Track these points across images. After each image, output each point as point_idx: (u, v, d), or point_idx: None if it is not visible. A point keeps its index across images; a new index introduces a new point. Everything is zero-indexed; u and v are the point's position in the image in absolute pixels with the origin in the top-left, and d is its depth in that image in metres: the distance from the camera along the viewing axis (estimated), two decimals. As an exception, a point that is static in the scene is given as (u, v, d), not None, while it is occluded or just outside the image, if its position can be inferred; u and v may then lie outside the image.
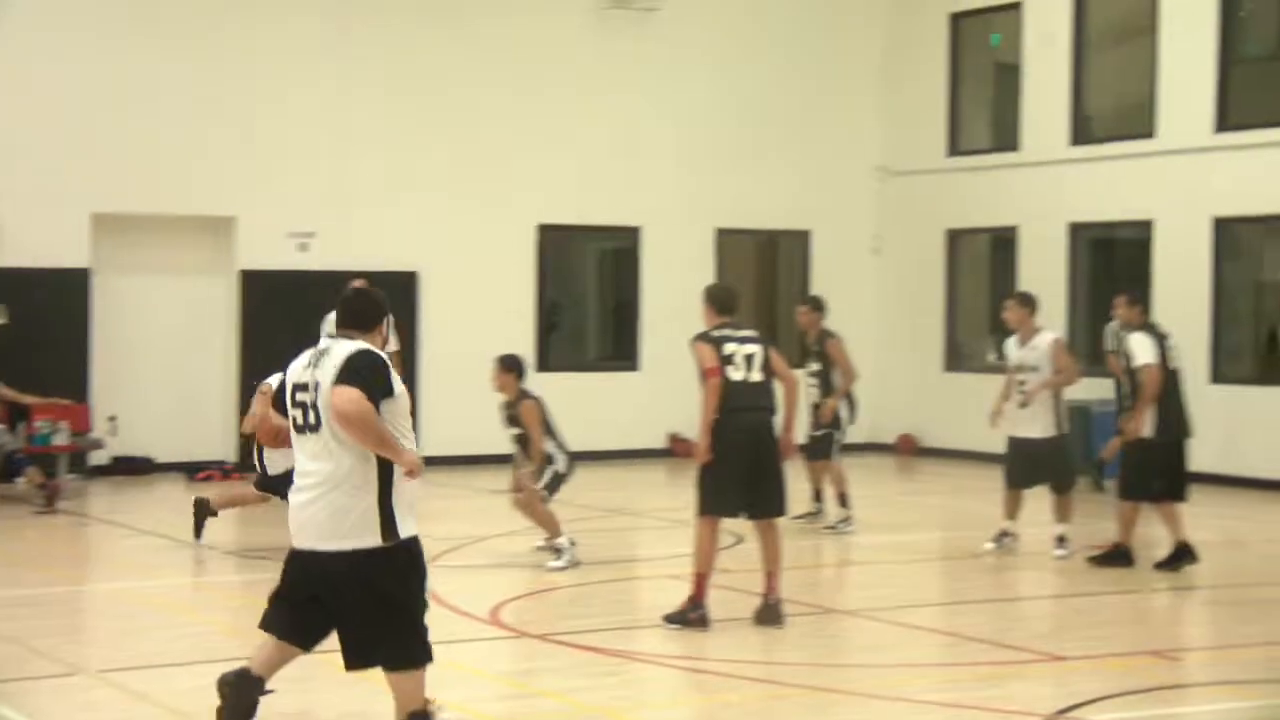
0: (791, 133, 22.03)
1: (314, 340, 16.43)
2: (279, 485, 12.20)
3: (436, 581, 8.80)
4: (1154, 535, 13.41)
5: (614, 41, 21.03)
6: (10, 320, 17.57)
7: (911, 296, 22.25)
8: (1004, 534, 13.83)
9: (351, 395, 6.93)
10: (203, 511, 13.96)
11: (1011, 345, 13.86)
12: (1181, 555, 12.89)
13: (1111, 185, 19.93)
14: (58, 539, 15.00)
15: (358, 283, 16.00)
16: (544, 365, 20.34)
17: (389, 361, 7.24)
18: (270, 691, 7.45)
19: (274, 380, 13.19)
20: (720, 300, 10.83)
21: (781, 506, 10.77)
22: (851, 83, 22.44)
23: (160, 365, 19.08)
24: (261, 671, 7.42)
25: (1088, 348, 19.57)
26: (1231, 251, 19.17)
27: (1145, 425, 12.84)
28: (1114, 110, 20.69)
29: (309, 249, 19.46)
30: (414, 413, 7.53)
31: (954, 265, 22.03)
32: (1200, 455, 17.83)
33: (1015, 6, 21.09)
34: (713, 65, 21.59)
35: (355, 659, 7.23)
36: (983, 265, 22.26)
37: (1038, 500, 13.86)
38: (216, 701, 7.38)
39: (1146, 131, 19.58)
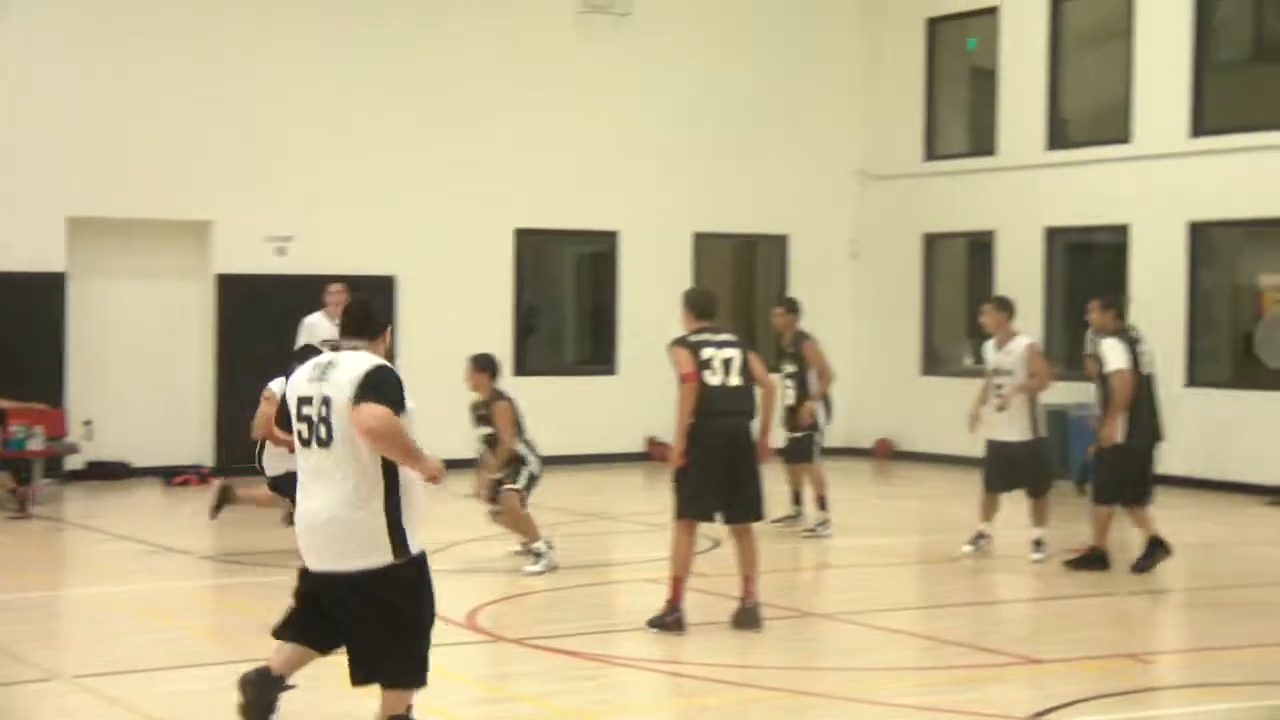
0: (769, 137, 22.05)
1: (291, 345, 16.42)
2: (284, 486, 12.43)
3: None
4: (1129, 538, 13.45)
5: (591, 46, 21.03)
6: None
7: (889, 300, 22.28)
8: (980, 536, 13.87)
9: (377, 412, 6.91)
10: (226, 496, 14.04)
11: (989, 349, 13.89)
12: (1155, 550, 12.96)
13: (1088, 190, 20.00)
14: (32, 544, 14.94)
15: (335, 287, 16.10)
16: (522, 369, 20.34)
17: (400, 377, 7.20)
18: (292, 687, 7.41)
19: (275, 386, 13.25)
20: (699, 305, 10.83)
21: (759, 511, 10.78)
22: (829, 87, 22.47)
23: (136, 370, 19.01)
24: (281, 671, 7.40)
25: (1064, 352, 19.63)
26: (1207, 256, 19.25)
27: (1118, 431, 12.89)
28: (1090, 115, 20.76)
29: (286, 253, 19.42)
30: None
31: (931, 269, 22.07)
32: (1176, 459, 17.98)
33: (991, 11, 21.16)
34: (691, 70, 21.60)
35: (362, 674, 7.21)
36: (960, 269, 22.31)
37: (1015, 504, 13.89)
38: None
39: (1122, 136, 19.65)
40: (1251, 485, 18.00)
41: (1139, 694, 9.38)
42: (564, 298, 22.49)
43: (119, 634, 10.71)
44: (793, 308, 15.55)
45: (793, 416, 15.11)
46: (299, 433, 7.19)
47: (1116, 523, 13.16)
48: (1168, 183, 19.14)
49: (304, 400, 7.17)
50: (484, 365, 12.89)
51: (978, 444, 14.07)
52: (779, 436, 13.90)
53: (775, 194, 22.17)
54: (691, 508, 10.59)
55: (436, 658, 7.34)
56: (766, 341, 18.65)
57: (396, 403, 7.01)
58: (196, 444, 19.17)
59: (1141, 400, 12.96)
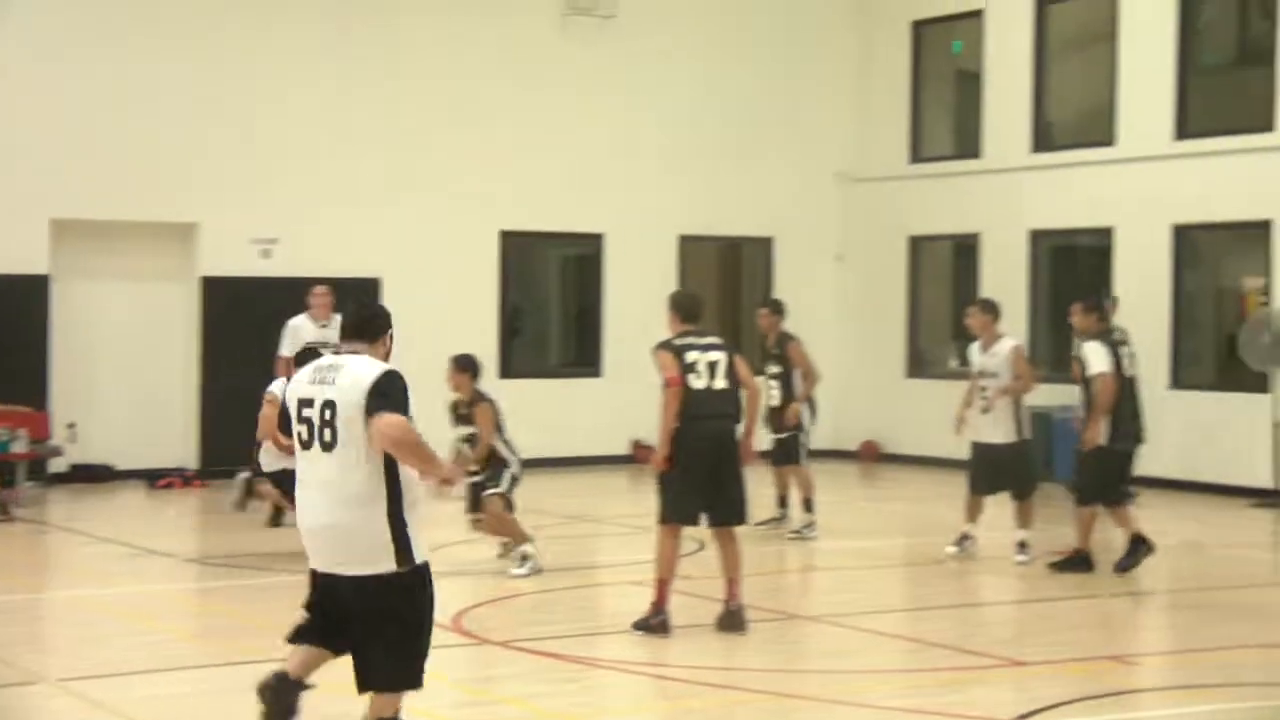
0: (754, 140, 22.06)
1: (275, 348, 16.36)
2: (282, 482, 12.86)
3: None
4: (1113, 540, 13.47)
5: (576, 49, 21.02)
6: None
7: (874, 303, 22.31)
8: (965, 537, 13.90)
9: (394, 421, 6.89)
10: (249, 489, 14.63)
11: (974, 351, 13.92)
12: (1138, 548, 13.00)
13: (1072, 192, 20.03)
14: (16, 547, 14.89)
15: (320, 289, 16.07)
16: (507, 371, 20.33)
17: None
18: (311, 687, 7.39)
19: (276, 387, 13.25)
20: (684, 308, 10.84)
21: (742, 514, 10.78)
22: (814, 90, 22.48)
23: (120, 373, 18.97)
24: (298, 674, 7.36)
25: (1049, 354, 19.67)
26: (1191, 259, 19.29)
27: (1101, 433, 12.92)
28: (1075, 118, 20.80)
29: (272, 255, 19.39)
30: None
31: (916, 272, 22.10)
32: (1159, 461, 18.04)
33: (977, 15, 21.19)
34: (676, 73, 21.61)
35: (367, 683, 7.19)
36: (945, 272, 22.34)
37: (999, 506, 13.91)
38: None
39: (1107, 139, 19.69)
40: (1235, 487, 18.04)
41: (1123, 696, 9.40)
42: (549, 300, 22.48)
43: (103, 637, 10.68)
44: (777, 309, 15.56)
45: (777, 418, 15.12)
46: (298, 435, 7.15)
47: (1099, 524, 13.18)
48: (1152, 186, 19.18)
49: (304, 403, 7.13)
50: (465, 366, 12.89)
51: (963, 446, 14.09)
52: (764, 438, 13.91)
53: (761, 196, 22.18)
54: (675, 512, 10.59)
55: (421, 660, 7.34)
56: (752, 343, 18.65)
57: (406, 408, 7.01)
58: (180, 447, 19.13)
59: (1123, 402, 13.00)
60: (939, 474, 19.01)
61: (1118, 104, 19.60)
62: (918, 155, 22.04)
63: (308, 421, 7.09)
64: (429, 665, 7.21)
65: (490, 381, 18.69)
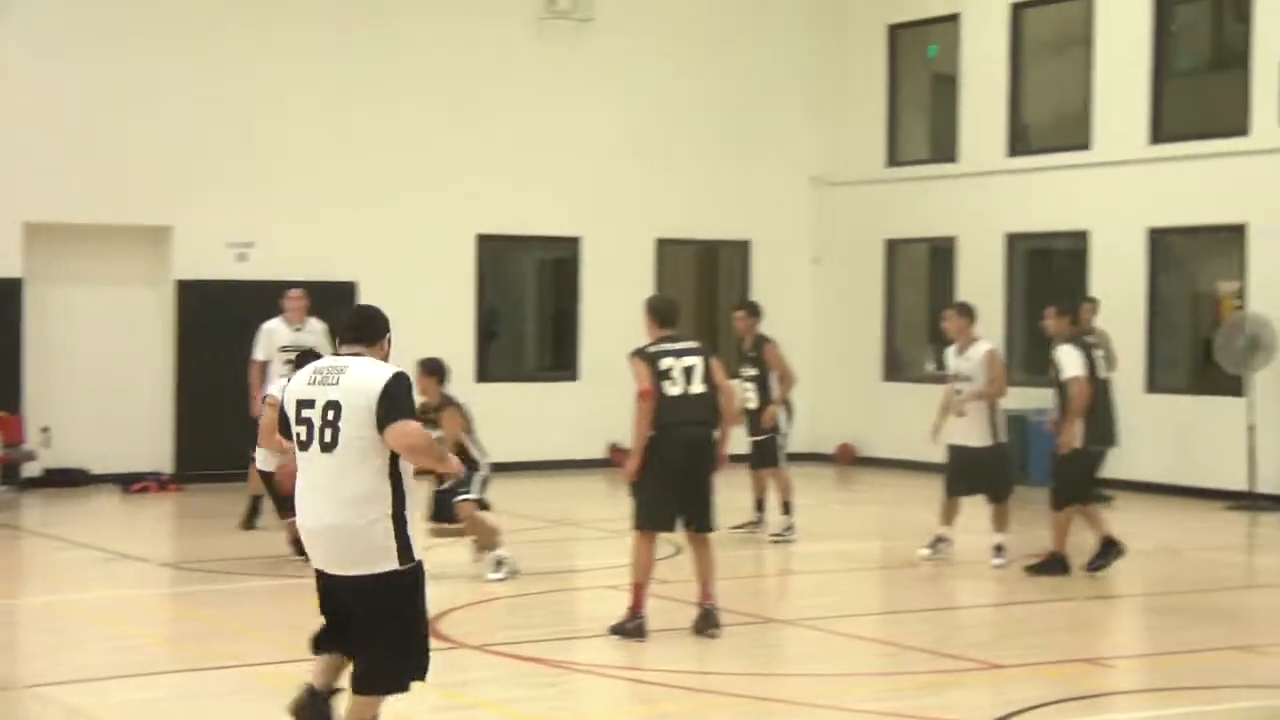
0: (731, 143, 22.07)
1: (250, 351, 16.25)
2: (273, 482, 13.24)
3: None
4: (1088, 542, 13.49)
5: (552, 52, 21.01)
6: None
7: (851, 306, 22.33)
8: (939, 540, 13.93)
9: (410, 429, 6.96)
10: (255, 509, 14.99)
11: (950, 354, 13.95)
12: (1109, 551, 13.07)
13: (1048, 196, 20.08)
14: (-10, 552, 14.83)
15: (294, 292, 16.01)
16: (484, 375, 20.30)
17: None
18: (340, 691, 7.39)
19: (276, 390, 13.18)
20: (661, 312, 10.83)
21: (711, 521, 10.76)
22: (791, 94, 22.51)
23: (95, 376, 18.87)
24: (325, 683, 7.38)
25: (1025, 358, 19.71)
26: (1167, 262, 19.35)
27: (1076, 436, 12.97)
28: (1050, 122, 20.85)
29: (247, 259, 19.33)
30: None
31: (893, 275, 22.12)
32: (1135, 464, 18.10)
33: (953, 19, 21.22)
34: (653, 76, 21.60)
35: (370, 682, 7.17)
36: (921, 275, 22.37)
37: (975, 509, 13.93)
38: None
39: (1083, 143, 19.74)
40: (1211, 490, 18.08)
41: (1099, 698, 9.43)
42: (526, 304, 22.45)
43: (78, 642, 10.64)
44: (754, 311, 15.56)
45: (754, 420, 15.12)
46: (297, 435, 7.14)
47: (1075, 526, 13.21)
48: (1127, 189, 19.24)
49: (304, 403, 7.11)
50: (432, 369, 12.85)
51: (939, 449, 14.12)
52: (741, 441, 13.91)
53: (737, 200, 22.19)
54: (650, 519, 10.60)
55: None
56: (728, 346, 18.65)
57: (414, 410, 7.09)
58: (155, 451, 19.05)
59: (1095, 404, 13.06)
60: (916, 477, 19.03)
61: (1093, 108, 19.65)
62: (894, 159, 22.07)
63: (307, 422, 7.08)
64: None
65: (467, 385, 18.70)
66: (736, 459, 12.05)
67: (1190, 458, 18.55)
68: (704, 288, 22.99)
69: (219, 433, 17.96)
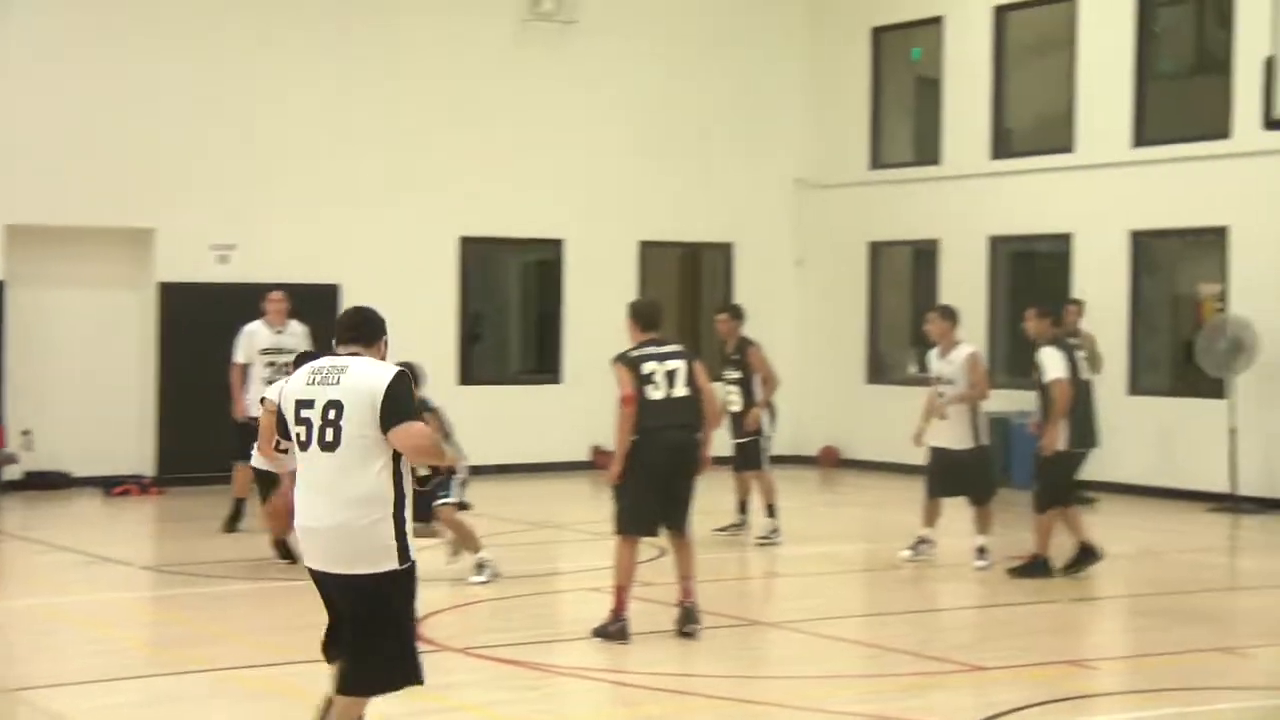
0: (715, 146, 22.08)
1: (231, 354, 16.13)
2: (265, 481, 13.29)
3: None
4: (1071, 545, 13.50)
5: (536, 54, 20.99)
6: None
7: (834, 309, 22.34)
8: (921, 541, 13.94)
9: (416, 430, 6.99)
10: (239, 511, 15.17)
11: (933, 357, 13.96)
12: (1086, 556, 13.10)
13: (1031, 199, 20.11)
14: (-29, 555, 14.78)
15: (275, 295, 15.95)
16: (467, 378, 20.27)
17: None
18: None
19: (272, 393, 13.08)
20: (644, 316, 10.84)
21: (688, 524, 10.76)
22: (774, 96, 22.52)
23: (76, 379, 18.81)
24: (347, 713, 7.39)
25: (1008, 360, 19.73)
26: (1149, 265, 19.39)
27: (1059, 439, 12.99)
28: (1033, 125, 20.89)
29: (229, 261, 19.28)
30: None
31: (876, 278, 22.14)
32: (1118, 466, 18.13)
33: (936, 21, 21.25)
34: (637, 79, 21.60)
35: (362, 682, 7.16)
36: (905, 278, 22.39)
37: (959, 511, 13.94)
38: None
39: (1065, 146, 19.78)
40: (1193, 492, 18.13)
41: (1082, 700, 9.43)
42: (509, 306, 22.44)
43: (59, 645, 10.60)
44: (736, 314, 15.56)
45: (738, 423, 15.12)
46: (296, 436, 7.13)
47: (1058, 529, 13.23)
48: (1110, 192, 19.28)
49: (303, 403, 7.10)
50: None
51: (923, 452, 14.12)
52: (725, 444, 13.91)
53: (721, 202, 22.19)
54: (633, 523, 10.61)
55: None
56: (712, 349, 18.65)
57: (418, 411, 7.13)
58: (137, 454, 19.00)
59: (1077, 406, 13.08)
60: (899, 479, 19.04)
61: (1076, 111, 19.69)
62: (878, 161, 22.08)
63: (306, 422, 7.07)
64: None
65: (451, 388, 18.70)
66: (719, 461, 12.04)
67: (1172, 460, 18.59)
68: (687, 290, 22.99)
69: (201, 435, 17.91)
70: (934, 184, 21.20)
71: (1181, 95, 19.75)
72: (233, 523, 15.21)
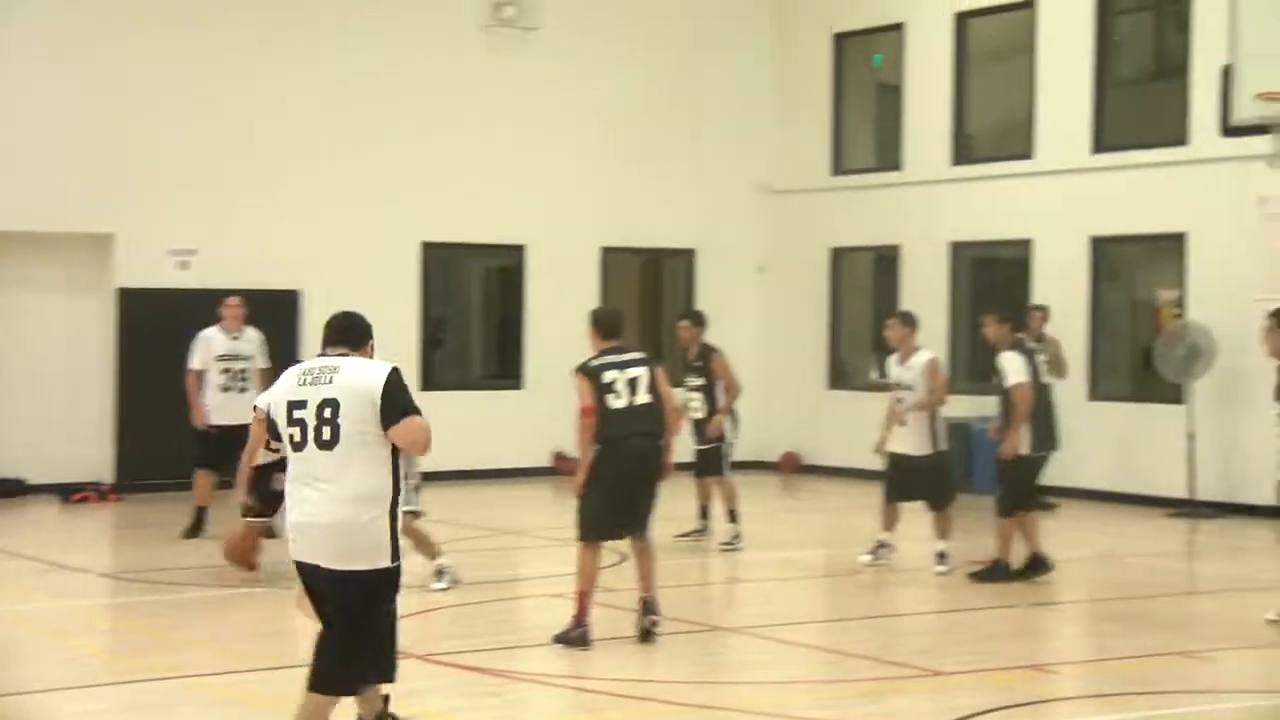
0: (676, 152, 22.10)
1: (185, 359, 15.96)
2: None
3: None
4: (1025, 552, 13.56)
5: (498, 60, 20.97)
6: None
7: (795, 314, 22.38)
8: (880, 546, 13.99)
9: (417, 425, 7.12)
10: (201, 520, 15.05)
11: (892, 363, 13.99)
12: (1037, 566, 13.19)
13: (992, 205, 20.20)
14: (-72, 562, 14.65)
15: (232, 300, 15.87)
16: (429, 383, 20.22)
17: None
18: (386, 696, 7.50)
19: (262, 401, 13.00)
20: (605, 324, 10.84)
21: (649, 529, 10.78)
22: (736, 102, 22.55)
23: (33, 384, 18.69)
24: (364, 708, 7.47)
25: (969, 366, 19.80)
26: (1109, 271, 19.49)
27: (1021, 443, 13.06)
28: (994, 131, 20.98)
29: (190, 267, 19.19)
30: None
31: (837, 283, 22.19)
32: (1077, 472, 18.21)
33: (897, 28, 21.32)
34: (599, 84, 21.61)
35: (346, 678, 7.19)
36: (866, 283, 22.44)
37: (919, 516, 13.98)
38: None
39: (1026, 152, 19.87)
40: (1152, 497, 18.22)
41: (1042, 704, 9.46)
42: (471, 311, 22.41)
43: (17, 654, 10.52)
44: (698, 320, 15.57)
45: (700, 430, 15.13)
46: (290, 436, 7.17)
47: (1018, 534, 13.28)
48: (1070, 198, 19.37)
49: (295, 404, 7.15)
50: None
51: (883, 459, 14.15)
52: (686, 450, 13.91)
53: (683, 208, 22.21)
54: (595, 530, 10.61)
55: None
56: (673, 356, 18.66)
57: (416, 407, 7.23)
58: (95, 461, 18.87)
59: (1037, 410, 13.15)
60: (860, 485, 19.07)
61: (1036, 117, 19.78)
62: (839, 167, 22.14)
63: (300, 423, 7.12)
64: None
65: (412, 393, 18.56)
66: (680, 467, 12.04)
67: (1131, 465, 18.69)
68: (649, 296, 22.99)
69: (161, 442, 17.82)
70: (895, 190, 21.27)
71: (1140, 102, 19.87)
72: (195, 530, 15.14)
